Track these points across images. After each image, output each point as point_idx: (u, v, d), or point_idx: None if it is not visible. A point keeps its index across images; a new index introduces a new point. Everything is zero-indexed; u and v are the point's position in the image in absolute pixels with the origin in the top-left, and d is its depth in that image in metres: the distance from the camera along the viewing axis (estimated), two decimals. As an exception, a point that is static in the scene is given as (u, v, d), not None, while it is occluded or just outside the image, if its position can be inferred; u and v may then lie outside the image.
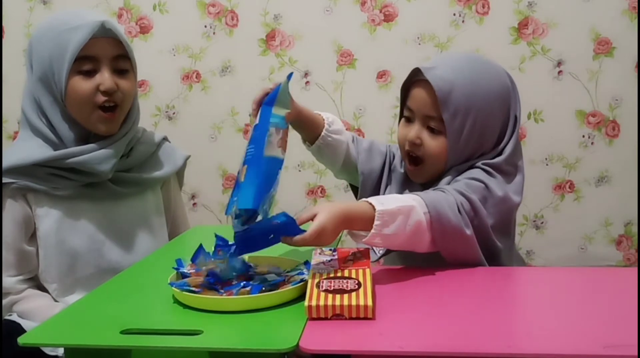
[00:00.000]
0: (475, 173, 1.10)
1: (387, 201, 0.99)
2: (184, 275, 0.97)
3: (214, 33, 1.81)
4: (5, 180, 1.21)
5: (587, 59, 1.74)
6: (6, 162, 1.21)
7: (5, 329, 1.19)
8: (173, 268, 0.98)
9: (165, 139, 1.43)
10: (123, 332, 0.80)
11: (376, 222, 0.95)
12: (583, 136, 1.77)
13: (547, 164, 1.79)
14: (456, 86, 1.08)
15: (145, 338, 0.79)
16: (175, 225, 1.44)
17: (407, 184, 1.21)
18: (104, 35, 1.22)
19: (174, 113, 1.85)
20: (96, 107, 1.23)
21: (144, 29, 1.83)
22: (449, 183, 1.10)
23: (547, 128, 1.77)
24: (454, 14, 1.75)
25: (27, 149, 1.24)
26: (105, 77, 1.21)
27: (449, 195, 1.03)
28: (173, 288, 0.90)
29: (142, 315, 0.88)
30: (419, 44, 1.76)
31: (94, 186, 1.26)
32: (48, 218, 1.24)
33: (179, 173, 1.45)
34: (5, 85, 1.83)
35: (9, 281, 1.22)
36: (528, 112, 1.77)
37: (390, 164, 1.26)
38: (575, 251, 1.82)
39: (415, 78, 1.14)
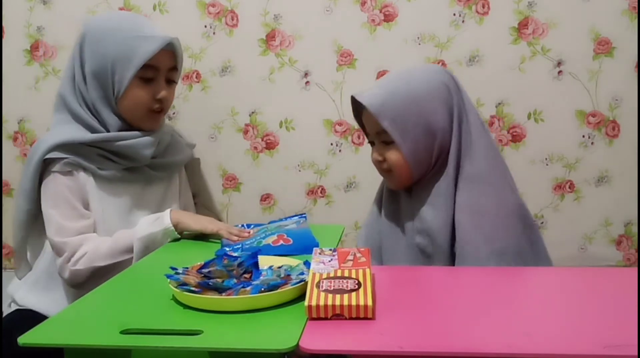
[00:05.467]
0: (467, 191, 1.18)
1: None
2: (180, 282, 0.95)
3: (214, 33, 1.81)
4: (58, 155, 1.26)
5: (587, 59, 1.74)
6: (57, 138, 1.28)
7: (6, 326, 1.20)
8: (166, 275, 0.96)
9: (173, 129, 1.53)
10: (123, 332, 0.80)
11: None
12: (583, 136, 1.77)
13: (547, 164, 1.79)
14: (386, 97, 1.19)
15: (145, 338, 0.79)
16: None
17: (393, 197, 1.31)
18: (168, 48, 1.31)
19: (174, 113, 1.85)
20: (147, 111, 1.32)
21: (144, 29, 1.83)
22: (450, 189, 1.18)
23: (547, 128, 1.77)
24: (454, 14, 1.75)
25: (72, 130, 1.29)
26: (161, 86, 1.33)
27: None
28: (173, 288, 0.90)
29: (142, 315, 0.88)
30: (419, 44, 1.76)
31: (131, 171, 1.35)
32: (94, 196, 1.28)
33: (188, 161, 1.54)
34: (5, 85, 1.83)
35: (94, 235, 1.28)
36: (528, 113, 1.77)
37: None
38: (575, 251, 1.82)
39: (360, 107, 1.25)
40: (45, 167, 1.27)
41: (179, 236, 1.30)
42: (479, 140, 1.20)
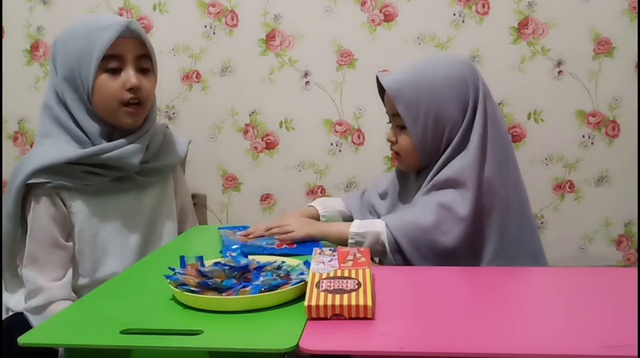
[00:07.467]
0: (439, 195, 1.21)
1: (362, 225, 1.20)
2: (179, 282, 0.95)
3: (214, 33, 1.81)
4: (40, 180, 1.23)
5: (587, 59, 1.74)
6: (39, 162, 1.24)
7: (7, 327, 1.20)
8: (165, 276, 0.96)
9: (167, 127, 1.49)
10: (123, 332, 0.80)
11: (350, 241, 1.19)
12: (583, 136, 1.77)
13: (547, 164, 1.79)
14: (405, 82, 1.22)
15: (145, 338, 0.79)
16: (185, 213, 1.46)
17: (402, 178, 1.36)
18: (129, 35, 1.27)
19: (174, 113, 1.85)
20: (122, 104, 1.27)
21: (144, 29, 1.82)
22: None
23: (547, 128, 1.77)
24: (454, 14, 1.75)
25: (57, 148, 1.27)
26: (130, 75, 1.27)
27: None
28: (173, 288, 0.90)
29: (142, 315, 0.88)
30: (419, 44, 1.76)
31: (120, 180, 1.31)
32: (82, 214, 1.27)
33: (182, 160, 1.49)
34: (5, 85, 1.83)
35: (55, 286, 1.22)
36: (528, 112, 1.77)
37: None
38: (575, 251, 1.82)
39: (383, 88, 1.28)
40: (27, 191, 1.24)
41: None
42: (475, 149, 1.20)
